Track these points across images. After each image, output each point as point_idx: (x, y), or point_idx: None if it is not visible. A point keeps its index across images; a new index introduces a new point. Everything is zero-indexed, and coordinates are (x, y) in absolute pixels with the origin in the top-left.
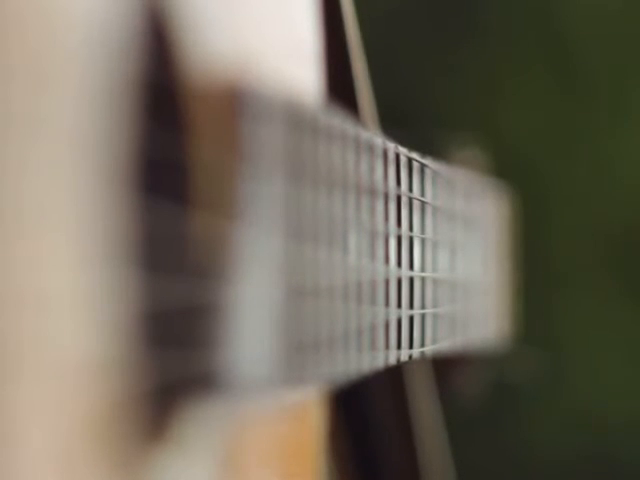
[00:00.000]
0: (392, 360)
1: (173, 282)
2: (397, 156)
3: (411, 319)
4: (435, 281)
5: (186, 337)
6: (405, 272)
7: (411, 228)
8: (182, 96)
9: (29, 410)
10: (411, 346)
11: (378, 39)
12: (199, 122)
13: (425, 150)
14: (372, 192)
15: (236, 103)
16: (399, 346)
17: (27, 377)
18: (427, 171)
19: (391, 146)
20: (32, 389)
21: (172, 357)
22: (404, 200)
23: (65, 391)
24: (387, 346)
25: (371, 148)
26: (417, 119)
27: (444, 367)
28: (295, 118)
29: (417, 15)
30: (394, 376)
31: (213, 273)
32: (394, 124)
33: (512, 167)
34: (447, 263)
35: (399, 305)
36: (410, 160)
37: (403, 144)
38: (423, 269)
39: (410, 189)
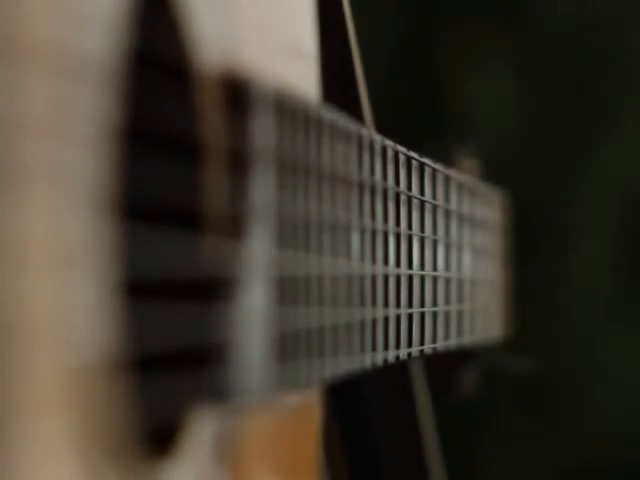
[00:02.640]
0: (391, 358)
1: (175, 301)
2: (396, 154)
3: (410, 317)
4: (434, 280)
5: (189, 352)
6: (404, 271)
7: (410, 227)
8: (194, 81)
9: (32, 417)
10: (410, 344)
11: (378, 48)
12: (205, 107)
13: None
14: (371, 191)
15: (230, 94)
16: (398, 345)
17: (27, 390)
18: (426, 171)
19: (390, 144)
20: (34, 398)
21: (176, 371)
22: (403, 199)
23: (69, 400)
24: (386, 345)
25: (371, 146)
26: (418, 130)
27: (442, 366)
28: (289, 112)
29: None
30: (395, 376)
31: (213, 291)
32: (393, 135)
33: (511, 171)
34: (446, 262)
35: (398, 304)
36: (409, 159)
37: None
38: (422, 268)
39: (409, 188)
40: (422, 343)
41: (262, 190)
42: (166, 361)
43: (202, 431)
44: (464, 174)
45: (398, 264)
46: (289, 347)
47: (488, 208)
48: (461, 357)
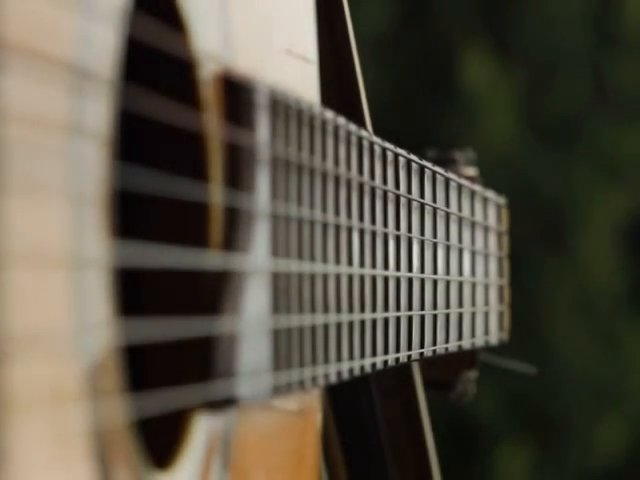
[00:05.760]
0: (391, 361)
1: (176, 313)
2: (396, 157)
3: (410, 320)
4: (434, 282)
5: (189, 363)
6: (404, 274)
7: (410, 230)
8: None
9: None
10: (409, 347)
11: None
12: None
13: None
14: (371, 193)
15: (229, 95)
16: (397, 348)
17: (25, 396)
18: (426, 174)
19: (390, 146)
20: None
21: (176, 382)
22: (403, 201)
23: (72, 409)
24: (386, 348)
25: (371, 148)
26: (419, 140)
27: (442, 369)
28: (288, 113)
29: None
30: (395, 378)
31: (217, 304)
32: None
33: (509, 176)
34: (446, 265)
35: (398, 307)
36: (409, 162)
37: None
38: (422, 271)
39: (409, 191)
40: (422, 346)
41: (261, 191)
42: (166, 371)
43: (203, 439)
44: (463, 178)
45: (398, 267)
46: (286, 354)
47: (487, 211)
48: (461, 360)
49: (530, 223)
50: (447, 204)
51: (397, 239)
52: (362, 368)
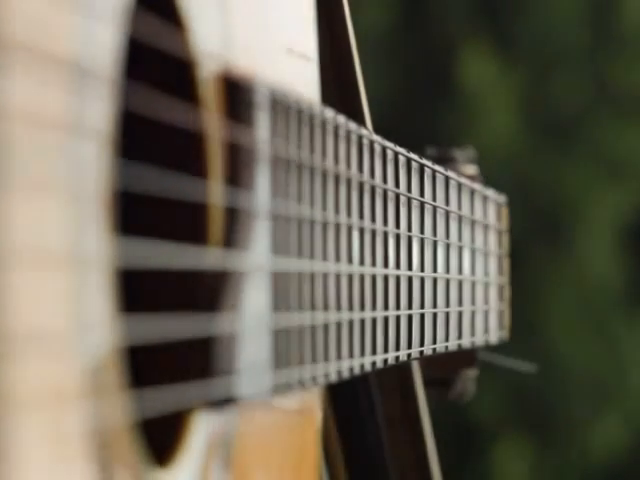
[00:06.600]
0: (390, 360)
1: (180, 317)
2: (396, 155)
3: (410, 319)
4: (434, 281)
5: (189, 361)
6: (404, 272)
7: (410, 229)
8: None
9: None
10: (410, 346)
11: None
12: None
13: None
14: (371, 191)
15: (229, 94)
16: (397, 346)
17: (27, 394)
18: (426, 172)
19: (390, 145)
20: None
21: (176, 380)
22: (403, 200)
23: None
24: (386, 347)
25: (371, 147)
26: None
27: (441, 368)
28: (289, 112)
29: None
30: (395, 377)
31: (216, 304)
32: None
33: (509, 175)
34: (446, 264)
35: (397, 306)
36: (409, 160)
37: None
38: (422, 269)
39: (409, 189)
40: (422, 344)
41: (261, 190)
42: (166, 370)
43: (203, 438)
44: (463, 176)
45: (398, 266)
46: (286, 353)
47: (487, 209)
48: (460, 358)
49: (530, 221)
50: (447, 202)
51: (397, 237)
52: (362, 367)
